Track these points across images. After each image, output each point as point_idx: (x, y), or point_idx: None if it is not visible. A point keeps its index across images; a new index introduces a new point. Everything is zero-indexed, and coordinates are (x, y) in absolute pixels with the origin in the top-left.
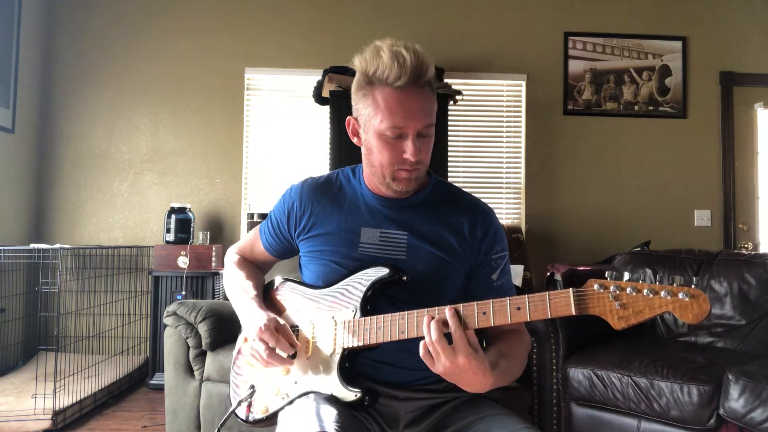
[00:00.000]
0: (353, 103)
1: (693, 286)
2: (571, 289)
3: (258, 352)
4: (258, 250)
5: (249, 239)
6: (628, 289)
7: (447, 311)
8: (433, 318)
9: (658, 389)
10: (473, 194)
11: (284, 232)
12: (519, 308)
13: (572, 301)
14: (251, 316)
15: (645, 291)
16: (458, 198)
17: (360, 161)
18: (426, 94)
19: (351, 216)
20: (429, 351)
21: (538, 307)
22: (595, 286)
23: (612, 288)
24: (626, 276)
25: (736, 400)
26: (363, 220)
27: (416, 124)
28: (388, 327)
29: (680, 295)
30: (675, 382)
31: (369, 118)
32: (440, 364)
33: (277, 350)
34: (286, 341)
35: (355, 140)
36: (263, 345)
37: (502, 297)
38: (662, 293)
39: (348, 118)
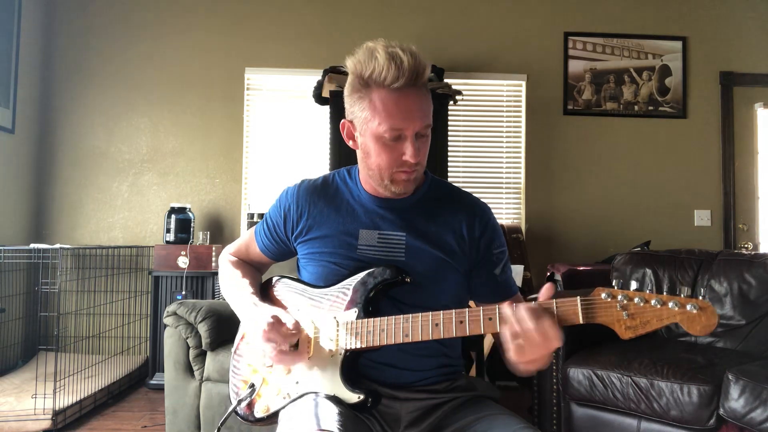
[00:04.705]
0: (347, 106)
1: (701, 298)
2: (578, 297)
3: (267, 353)
4: (254, 252)
5: (244, 241)
6: (636, 299)
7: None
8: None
9: (658, 389)
10: (471, 193)
11: (281, 235)
12: None
13: (580, 309)
14: (250, 313)
15: (653, 301)
16: (455, 196)
17: None
18: (423, 95)
19: (348, 218)
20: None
21: None
22: (603, 295)
23: (620, 297)
24: (633, 285)
25: (736, 400)
26: (360, 222)
27: (415, 125)
28: (392, 330)
29: (688, 307)
30: (675, 382)
31: (366, 120)
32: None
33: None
34: (290, 334)
35: (350, 144)
36: (271, 345)
37: (506, 290)
38: (670, 304)
39: (342, 121)
